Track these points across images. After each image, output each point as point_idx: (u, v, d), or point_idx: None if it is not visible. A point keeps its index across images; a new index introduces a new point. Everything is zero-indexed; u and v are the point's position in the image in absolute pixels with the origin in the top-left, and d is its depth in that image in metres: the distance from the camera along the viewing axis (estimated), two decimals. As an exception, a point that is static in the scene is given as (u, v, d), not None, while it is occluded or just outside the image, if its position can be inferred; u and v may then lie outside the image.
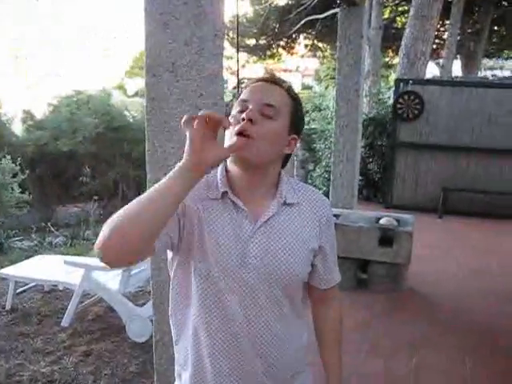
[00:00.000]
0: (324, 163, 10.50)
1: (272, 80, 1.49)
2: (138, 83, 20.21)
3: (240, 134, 1.35)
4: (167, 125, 2.36)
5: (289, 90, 1.49)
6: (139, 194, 1.26)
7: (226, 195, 1.45)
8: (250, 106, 1.39)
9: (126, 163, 11.68)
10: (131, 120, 12.59)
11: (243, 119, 1.37)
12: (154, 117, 2.37)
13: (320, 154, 11.41)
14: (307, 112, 16.55)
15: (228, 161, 1.45)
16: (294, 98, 1.49)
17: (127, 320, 4.36)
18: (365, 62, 7.82)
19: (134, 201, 1.24)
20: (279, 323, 1.50)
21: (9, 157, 8.94)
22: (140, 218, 1.21)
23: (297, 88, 31.18)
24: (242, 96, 1.46)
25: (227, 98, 15.50)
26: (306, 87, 29.26)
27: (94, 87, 13.89)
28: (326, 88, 16.96)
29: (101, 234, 1.20)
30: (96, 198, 9.81)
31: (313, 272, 1.59)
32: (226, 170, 1.49)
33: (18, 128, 12.51)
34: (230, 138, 1.38)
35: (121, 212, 1.23)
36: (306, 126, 16.33)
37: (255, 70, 21.72)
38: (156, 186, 1.26)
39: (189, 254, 1.45)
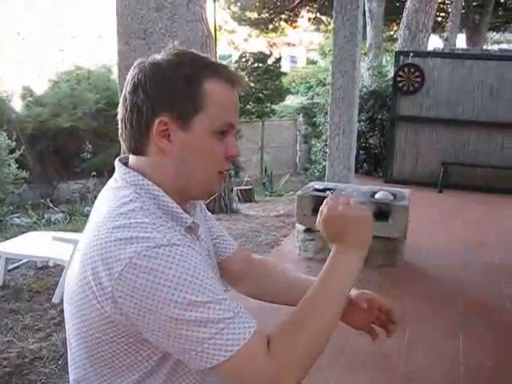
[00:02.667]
0: (324, 137, 10.42)
1: (239, 82, 1.18)
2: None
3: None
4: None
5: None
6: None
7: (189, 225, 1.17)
8: (235, 142, 1.17)
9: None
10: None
11: (227, 169, 1.20)
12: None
13: (321, 128, 11.34)
14: (311, 87, 16.49)
15: (171, 179, 1.13)
16: None
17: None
18: (364, 34, 7.70)
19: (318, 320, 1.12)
20: None
21: (5, 133, 8.90)
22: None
23: (301, 62, 30.94)
24: (229, 117, 1.13)
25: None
26: (310, 62, 29.05)
27: (95, 62, 13.79)
28: (331, 62, 16.83)
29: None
30: (95, 174, 9.79)
31: (220, 242, 1.46)
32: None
33: (17, 104, 12.46)
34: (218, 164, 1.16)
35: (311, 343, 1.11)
36: (309, 101, 16.38)
37: (258, 43, 21.50)
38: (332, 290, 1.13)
39: None
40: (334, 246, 1.18)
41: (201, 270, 1.00)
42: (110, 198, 1.11)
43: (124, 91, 1.13)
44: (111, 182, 1.17)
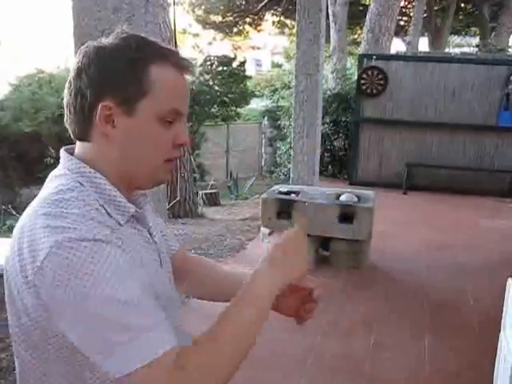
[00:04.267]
0: (289, 140, 10.45)
1: (190, 68, 1.13)
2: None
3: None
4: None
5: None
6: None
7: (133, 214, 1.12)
8: (184, 130, 1.14)
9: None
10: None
11: (176, 157, 1.15)
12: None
13: (285, 130, 11.36)
14: (276, 90, 16.51)
15: (115, 167, 1.10)
16: None
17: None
18: (327, 38, 7.73)
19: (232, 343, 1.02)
20: None
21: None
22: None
23: (266, 66, 31.02)
24: (176, 104, 1.09)
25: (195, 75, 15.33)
26: (275, 65, 29.12)
27: (56, 65, 13.58)
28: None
29: None
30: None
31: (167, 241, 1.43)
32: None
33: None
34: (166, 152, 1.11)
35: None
36: (273, 104, 16.42)
37: (222, 47, 21.48)
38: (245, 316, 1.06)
39: None
40: (266, 268, 1.12)
41: (122, 270, 0.95)
42: (50, 186, 1.07)
43: (69, 76, 1.09)
44: (55, 171, 1.12)
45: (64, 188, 1.03)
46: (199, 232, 6.79)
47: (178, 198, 7.80)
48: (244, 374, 3.43)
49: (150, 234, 1.18)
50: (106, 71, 1.04)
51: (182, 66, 1.10)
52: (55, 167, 1.14)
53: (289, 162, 9.57)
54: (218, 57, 15.29)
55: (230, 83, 15.11)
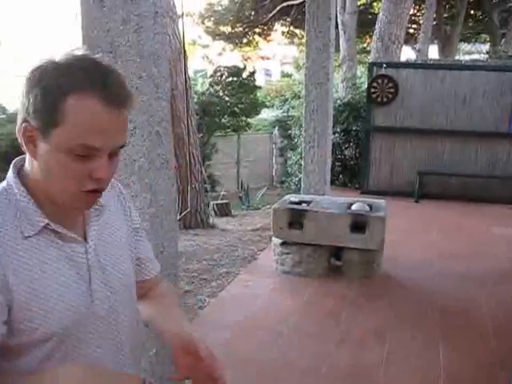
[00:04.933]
0: (300, 149, 10.42)
1: (122, 102, 1.08)
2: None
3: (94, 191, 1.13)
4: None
5: (131, 98, 1.12)
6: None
7: (46, 227, 1.13)
8: (103, 165, 1.09)
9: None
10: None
11: (95, 189, 1.12)
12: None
13: (296, 140, 11.35)
14: (286, 100, 16.52)
15: (39, 184, 1.13)
16: (133, 101, 1.14)
17: None
18: (337, 47, 7.72)
19: None
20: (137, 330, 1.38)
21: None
22: None
23: (276, 76, 31.07)
24: (89, 140, 1.05)
25: (205, 86, 15.36)
26: (285, 75, 29.17)
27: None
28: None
29: None
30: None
31: (138, 265, 1.44)
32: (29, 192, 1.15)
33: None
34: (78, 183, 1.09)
35: None
36: (284, 114, 16.42)
37: (232, 57, 21.54)
38: None
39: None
40: None
41: None
42: None
43: None
44: None
45: None
46: (211, 243, 6.77)
47: (188, 209, 7.78)
48: (256, 383, 3.41)
49: (85, 251, 1.21)
50: (28, 93, 1.04)
51: (110, 99, 1.04)
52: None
53: (300, 172, 9.55)
54: (227, 67, 15.33)
55: (240, 93, 15.14)
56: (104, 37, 2.17)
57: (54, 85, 1.02)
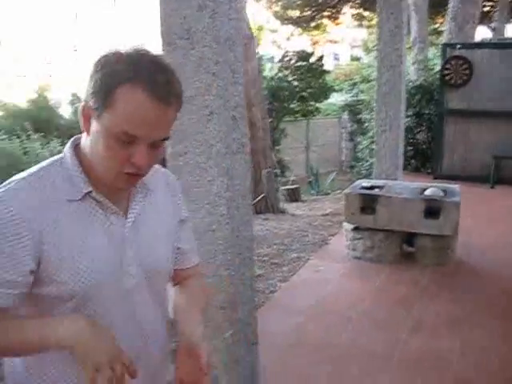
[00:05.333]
0: (370, 134, 10.27)
1: (167, 98, 1.14)
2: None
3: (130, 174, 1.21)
4: (183, 95, 2.24)
5: (178, 98, 1.19)
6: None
7: (89, 195, 1.23)
8: (142, 153, 1.16)
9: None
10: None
11: (134, 172, 1.20)
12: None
13: (366, 124, 11.19)
14: (355, 84, 16.32)
15: (89, 158, 1.23)
16: (182, 99, 1.21)
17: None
18: (409, 28, 7.54)
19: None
20: (161, 322, 1.43)
21: (56, 139, 9.04)
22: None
23: (345, 59, 30.67)
24: (130, 129, 1.12)
25: (273, 71, 15.37)
26: (354, 58, 28.75)
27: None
28: (375, 58, 16.56)
29: None
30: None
31: (178, 255, 1.49)
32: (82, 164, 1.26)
33: (66, 111, 12.69)
34: (115, 171, 1.19)
35: None
36: (354, 98, 16.22)
37: (300, 41, 21.40)
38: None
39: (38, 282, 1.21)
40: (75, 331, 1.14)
41: None
42: None
43: None
44: None
45: (41, 164, 1.26)
46: (281, 227, 6.80)
47: (263, 194, 7.84)
48: (329, 368, 3.42)
49: (123, 224, 1.29)
50: (91, 77, 1.15)
51: (159, 96, 1.11)
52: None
53: (370, 157, 9.42)
54: (296, 52, 15.26)
55: (308, 78, 15.06)
56: (180, 23, 2.20)
57: (112, 73, 1.12)
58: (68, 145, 1.28)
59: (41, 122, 10.92)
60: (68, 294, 1.20)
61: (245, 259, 2.38)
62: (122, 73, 1.11)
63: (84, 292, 1.21)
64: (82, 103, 1.18)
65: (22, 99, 12.80)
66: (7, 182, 1.21)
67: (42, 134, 9.37)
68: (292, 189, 10.46)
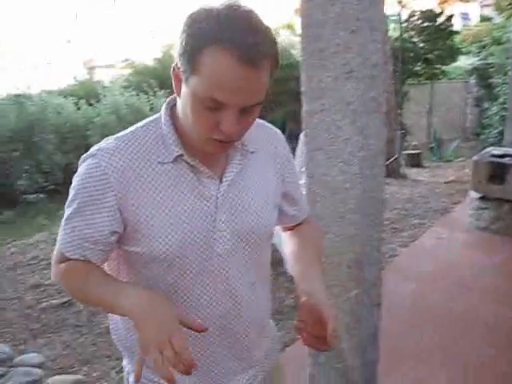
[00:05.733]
0: (502, 100, 9.75)
1: (257, 60, 1.04)
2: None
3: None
4: (323, 53, 2.22)
5: (272, 59, 1.09)
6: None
7: (181, 157, 1.21)
8: (230, 119, 1.09)
9: (294, 101, 11.66)
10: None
11: (224, 139, 1.14)
12: (308, 45, 2.24)
13: (497, 90, 10.62)
14: (485, 46, 15.47)
15: (180, 121, 1.21)
16: (277, 59, 1.12)
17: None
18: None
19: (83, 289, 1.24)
20: (258, 287, 1.38)
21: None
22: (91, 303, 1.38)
23: (475, 20, 29.12)
24: (217, 94, 1.06)
25: (397, 32, 14.88)
26: (484, 19, 27.19)
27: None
28: (508, 19, 15.55)
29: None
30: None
31: (282, 216, 1.45)
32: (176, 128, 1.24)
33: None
34: (204, 134, 1.14)
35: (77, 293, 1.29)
36: (482, 61, 15.39)
37: (427, 1, 20.47)
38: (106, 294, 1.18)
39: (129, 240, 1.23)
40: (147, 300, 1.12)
41: (86, 184, 1.18)
42: None
43: None
44: None
45: (139, 124, 1.27)
46: (402, 192, 6.68)
47: (396, 156, 7.72)
48: (444, 333, 3.34)
49: (217, 188, 1.25)
50: (180, 36, 1.08)
51: (246, 58, 1.02)
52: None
53: (500, 124, 8.98)
54: (422, 12, 14.65)
55: (435, 39, 14.45)
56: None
57: (198, 34, 1.04)
58: (164, 105, 1.26)
59: (166, 79, 11.27)
60: (158, 254, 1.20)
61: (374, 220, 2.36)
62: (207, 33, 1.03)
63: (173, 254, 1.21)
64: (173, 64, 1.13)
65: (149, 58, 13.26)
66: (106, 138, 1.23)
67: (168, 90, 9.67)
68: (414, 154, 10.22)
